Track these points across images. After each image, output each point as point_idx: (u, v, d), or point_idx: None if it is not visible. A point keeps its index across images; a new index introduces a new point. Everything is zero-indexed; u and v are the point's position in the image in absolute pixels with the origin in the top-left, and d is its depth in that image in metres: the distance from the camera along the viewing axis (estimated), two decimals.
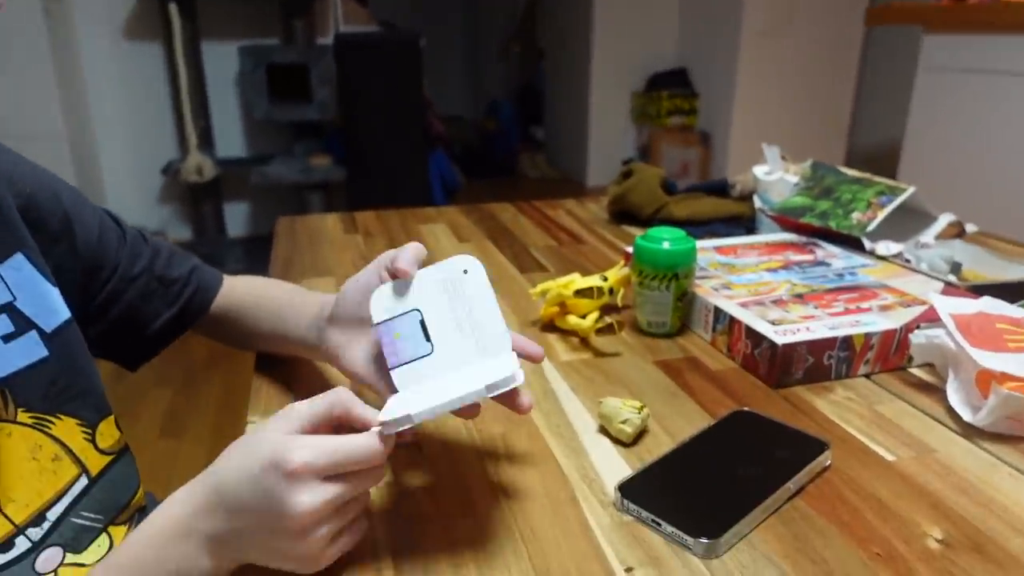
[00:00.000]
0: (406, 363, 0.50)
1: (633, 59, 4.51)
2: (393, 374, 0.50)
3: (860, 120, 4.33)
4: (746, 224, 1.17)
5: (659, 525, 0.48)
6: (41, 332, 0.53)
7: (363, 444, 0.42)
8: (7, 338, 0.51)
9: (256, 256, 3.34)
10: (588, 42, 4.45)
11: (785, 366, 0.67)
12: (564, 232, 1.20)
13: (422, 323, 0.50)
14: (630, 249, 0.93)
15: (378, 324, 0.51)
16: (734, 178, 1.28)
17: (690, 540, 0.46)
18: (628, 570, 0.45)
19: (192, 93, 3.20)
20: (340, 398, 0.44)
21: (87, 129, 3.26)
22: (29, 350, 0.52)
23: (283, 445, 0.40)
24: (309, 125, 3.47)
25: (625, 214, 1.25)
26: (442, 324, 0.50)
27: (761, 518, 0.49)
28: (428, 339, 0.50)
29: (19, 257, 0.53)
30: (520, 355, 0.51)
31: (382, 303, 0.51)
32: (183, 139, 3.27)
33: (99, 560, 0.55)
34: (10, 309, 0.51)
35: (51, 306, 0.54)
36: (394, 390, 0.50)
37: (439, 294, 0.51)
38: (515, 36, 5.49)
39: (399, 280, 0.51)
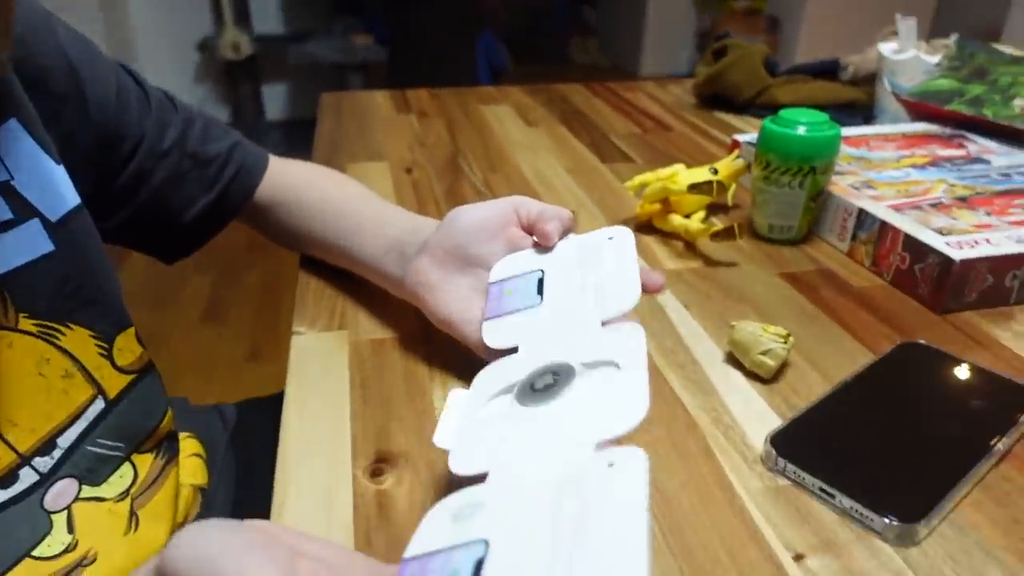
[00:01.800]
0: (504, 314, 0.41)
1: None
2: (484, 326, 0.42)
3: (949, 4, 3.91)
4: (863, 113, 1.00)
5: (831, 497, 0.36)
6: (45, 221, 0.42)
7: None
8: (5, 226, 0.40)
9: (295, 140, 3.21)
10: None
11: (958, 287, 0.53)
12: (647, 118, 1.04)
13: (540, 281, 0.42)
14: (738, 137, 0.79)
15: (492, 283, 0.44)
16: (847, 58, 1.10)
17: (878, 521, 0.35)
18: (797, 558, 0.34)
19: None
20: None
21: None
22: (32, 243, 0.41)
23: None
24: (348, 1, 3.24)
25: (716, 98, 1.08)
26: (561, 281, 0.42)
27: (964, 492, 0.37)
28: (540, 293, 0.42)
29: (13, 124, 0.41)
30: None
31: (506, 266, 0.45)
32: (219, 13, 3.08)
33: (122, 492, 0.46)
34: (7, 190, 0.40)
35: (56, 188, 0.42)
36: (481, 344, 0.42)
37: (571, 256, 0.44)
38: None
39: (535, 247, 0.45)
